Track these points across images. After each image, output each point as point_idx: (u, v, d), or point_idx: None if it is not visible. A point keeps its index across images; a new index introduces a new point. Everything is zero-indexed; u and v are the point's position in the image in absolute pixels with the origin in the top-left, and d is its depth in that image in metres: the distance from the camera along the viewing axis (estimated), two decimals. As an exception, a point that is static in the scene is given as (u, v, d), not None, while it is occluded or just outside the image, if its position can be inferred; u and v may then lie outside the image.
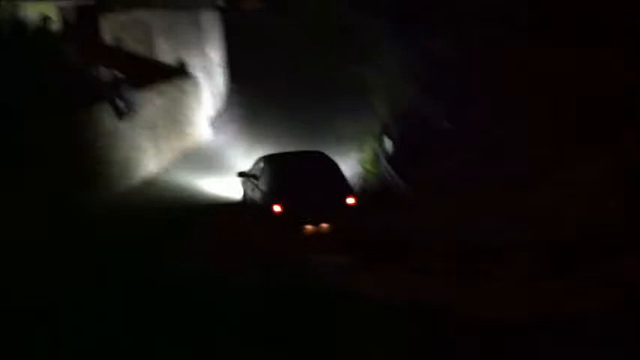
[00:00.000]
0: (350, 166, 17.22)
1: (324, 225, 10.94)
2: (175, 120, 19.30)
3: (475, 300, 8.98)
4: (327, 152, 13.62)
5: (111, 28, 19.85)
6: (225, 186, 16.57)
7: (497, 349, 7.48)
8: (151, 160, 16.69)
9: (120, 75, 15.60)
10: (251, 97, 25.76)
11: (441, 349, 7.53)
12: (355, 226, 11.21)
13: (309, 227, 10.93)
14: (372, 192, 14.95)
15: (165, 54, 21.08)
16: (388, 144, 16.79)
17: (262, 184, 11.59)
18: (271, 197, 11.14)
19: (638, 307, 8.28)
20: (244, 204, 12.92)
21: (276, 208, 10.91)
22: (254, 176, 12.19)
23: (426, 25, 19.48)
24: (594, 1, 14.47)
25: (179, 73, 20.09)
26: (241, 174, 12.82)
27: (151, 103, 17.11)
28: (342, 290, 9.55)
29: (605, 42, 13.63)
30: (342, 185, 11.51)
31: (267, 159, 12.46)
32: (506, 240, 11.39)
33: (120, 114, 14.95)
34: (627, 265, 9.64)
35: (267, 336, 7.89)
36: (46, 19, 15.75)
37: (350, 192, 11.45)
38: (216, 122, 23.23)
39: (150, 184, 16.21)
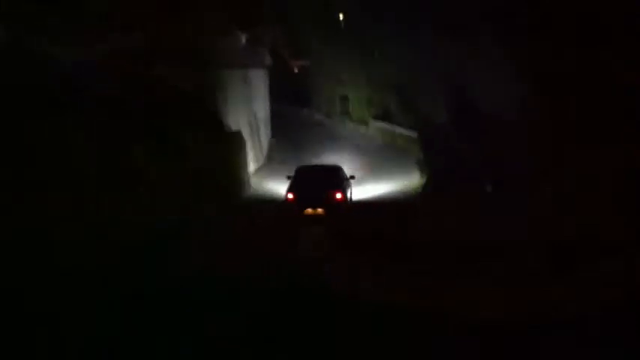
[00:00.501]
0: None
1: (320, 210, 15.25)
2: (217, 173, 17.74)
3: (475, 300, 8.97)
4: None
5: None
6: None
7: (497, 349, 7.47)
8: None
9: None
10: (291, 152, 25.72)
11: (441, 349, 7.52)
12: (342, 212, 15.42)
13: (309, 210, 15.31)
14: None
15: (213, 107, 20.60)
16: None
17: (289, 183, 16.33)
18: (288, 190, 15.88)
19: (638, 307, 8.29)
20: None
21: (290, 196, 15.62)
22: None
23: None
24: (595, 1, 14.46)
25: (222, 127, 19.68)
26: (288, 177, 17.06)
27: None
28: (341, 290, 9.56)
29: (605, 42, 13.62)
30: (337, 186, 15.81)
31: (298, 168, 17.51)
32: (507, 240, 11.39)
33: None
34: (627, 265, 9.64)
35: (267, 336, 7.90)
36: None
37: (340, 190, 15.78)
38: (256, 176, 22.45)
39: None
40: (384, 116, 29.02)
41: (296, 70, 33.11)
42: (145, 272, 10.24)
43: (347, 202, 15.97)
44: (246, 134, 22.30)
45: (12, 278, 8.97)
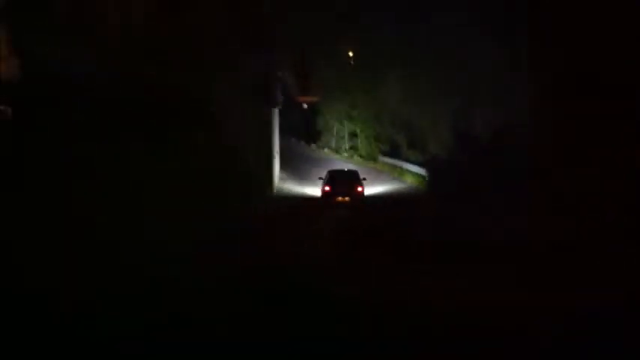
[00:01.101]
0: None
1: (347, 198, 21.89)
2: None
3: (473, 300, 8.97)
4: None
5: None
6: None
7: (497, 349, 7.45)
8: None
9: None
10: (298, 186, 26.67)
11: (440, 349, 7.50)
12: (361, 201, 21.96)
13: (339, 198, 21.92)
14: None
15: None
16: None
17: (323, 180, 23.40)
18: (325, 184, 22.77)
19: (638, 307, 8.28)
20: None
21: (326, 189, 22.45)
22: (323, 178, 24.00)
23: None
24: (595, 1, 14.47)
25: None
26: (320, 178, 24.25)
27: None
28: (341, 291, 9.54)
29: (605, 44, 13.64)
30: (357, 182, 22.66)
31: (329, 171, 24.28)
32: (506, 239, 11.40)
33: None
34: (627, 265, 9.64)
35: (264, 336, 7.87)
36: None
37: (360, 185, 22.52)
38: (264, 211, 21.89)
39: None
40: (392, 152, 29.85)
41: (305, 106, 34.04)
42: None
43: (363, 194, 22.79)
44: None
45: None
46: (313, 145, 35.02)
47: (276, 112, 27.71)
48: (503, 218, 12.87)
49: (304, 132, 35.17)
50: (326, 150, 34.16)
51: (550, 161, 14.00)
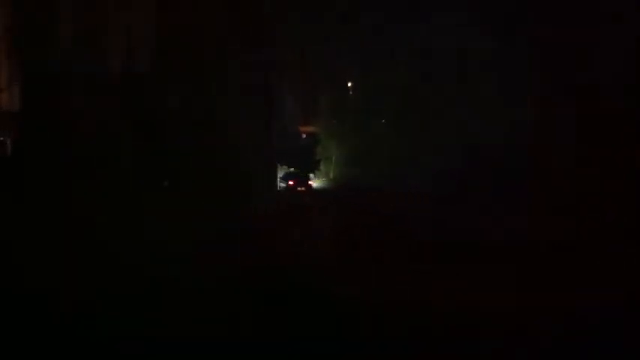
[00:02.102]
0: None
1: (303, 188, 25.78)
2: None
3: (473, 300, 8.97)
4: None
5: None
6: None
7: (497, 349, 7.45)
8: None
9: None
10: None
11: (440, 349, 7.51)
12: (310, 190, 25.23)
13: (299, 188, 25.66)
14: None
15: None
16: None
17: (285, 178, 26.22)
18: (289, 180, 26.15)
19: (638, 307, 8.29)
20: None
21: (290, 183, 26.04)
22: (283, 177, 26.76)
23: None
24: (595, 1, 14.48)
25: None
26: (281, 177, 26.75)
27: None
28: (341, 291, 9.55)
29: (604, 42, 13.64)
30: (308, 179, 26.99)
31: (286, 172, 27.40)
32: (506, 239, 11.40)
33: None
34: (627, 265, 9.64)
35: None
36: None
37: (310, 180, 26.90)
38: None
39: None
40: (397, 173, 30.51)
41: (304, 136, 34.91)
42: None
43: (312, 186, 27.69)
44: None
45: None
46: (311, 175, 35.72)
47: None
48: (503, 218, 12.86)
49: (302, 162, 35.79)
50: (324, 179, 34.90)
51: (550, 161, 13.99)
